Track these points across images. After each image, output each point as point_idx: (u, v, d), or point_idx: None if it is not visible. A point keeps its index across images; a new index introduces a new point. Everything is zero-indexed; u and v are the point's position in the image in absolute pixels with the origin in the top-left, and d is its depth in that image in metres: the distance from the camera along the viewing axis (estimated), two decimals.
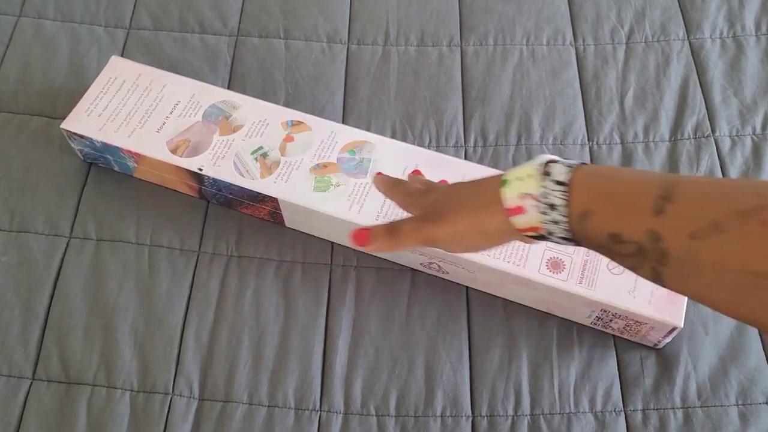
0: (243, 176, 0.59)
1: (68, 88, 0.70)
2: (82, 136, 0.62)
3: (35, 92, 0.70)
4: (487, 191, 0.40)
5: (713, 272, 0.31)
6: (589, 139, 0.67)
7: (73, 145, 0.64)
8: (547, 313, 0.59)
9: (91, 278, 0.60)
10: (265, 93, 0.70)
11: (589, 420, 0.55)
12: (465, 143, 0.67)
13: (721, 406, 0.55)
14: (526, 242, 0.41)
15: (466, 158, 0.66)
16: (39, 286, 0.60)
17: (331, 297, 0.60)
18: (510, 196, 0.38)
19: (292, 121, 0.63)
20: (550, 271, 0.55)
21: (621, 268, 0.55)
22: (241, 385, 0.56)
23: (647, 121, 0.68)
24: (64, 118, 0.63)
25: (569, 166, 0.37)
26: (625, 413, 0.55)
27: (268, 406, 0.55)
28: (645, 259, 0.33)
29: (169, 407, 0.55)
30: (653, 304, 0.54)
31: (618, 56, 0.72)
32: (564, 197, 0.36)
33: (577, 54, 0.72)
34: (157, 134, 0.61)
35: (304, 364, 0.57)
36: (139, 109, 0.63)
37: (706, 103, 0.69)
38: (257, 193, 0.59)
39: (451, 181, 0.50)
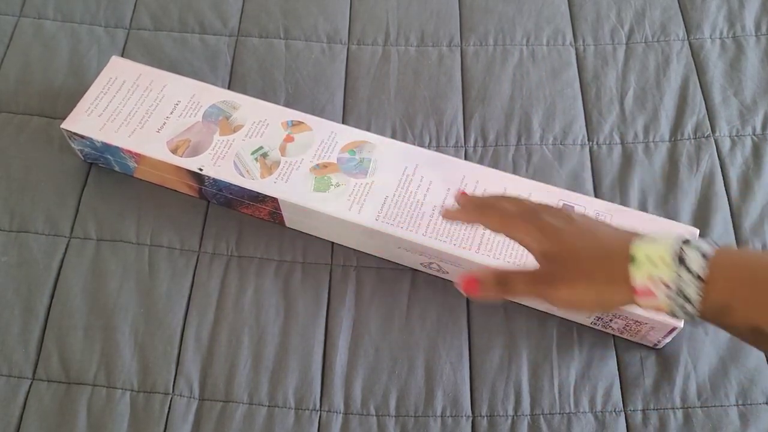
0: (243, 176, 0.59)
1: (68, 88, 0.70)
2: (82, 136, 0.62)
3: (35, 92, 0.70)
4: (613, 265, 0.38)
5: None
6: (589, 139, 0.67)
7: (73, 145, 0.64)
8: (547, 313, 0.59)
9: (91, 278, 0.60)
10: (265, 93, 0.70)
11: (589, 420, 0.55)
12: (465, 143, 0.67)
13: (721, 406, 0.55)
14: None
15: (466, 158, 0.66)
16: (39, 286, 0.60)
17: (331, 297, 0.60)
18: (640, 277, 0.37)
19: (292, 121, 0.63)
20: None
21: None
22: (241, 385, 0.56)
23: (647, 121, 0.68)
24: (64, 118, 0.63)
25: (704, 254, 0.35)
26: (625, 413, 0.55)
27: (268, 406, 0.55)
28: None
29: (169, 407, 0.55)
30: None
31: (618, 56, 0.72)
32: (700, 292, 0.35)
33: (577, 54, 0.72)
34: (157, 134, 0.62)
35: (304, 364, 0.57)
36: (139, 109, 0.63)
37: (706, 103, 0.69)
38: (257, 193, 0.59)
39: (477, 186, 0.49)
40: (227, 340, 0.58)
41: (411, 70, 0.72)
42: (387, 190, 0.59)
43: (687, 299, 0.35)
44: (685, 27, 0.74)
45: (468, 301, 0.60)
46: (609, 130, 0.68)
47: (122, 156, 0.62)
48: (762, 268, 0.35)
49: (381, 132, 0.68)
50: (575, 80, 0.71)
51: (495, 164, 0.66)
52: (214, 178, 0.60)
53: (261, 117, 0.63)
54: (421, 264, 0.60)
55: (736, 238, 0.62)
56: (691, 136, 0.67)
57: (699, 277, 0.35)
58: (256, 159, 0.60)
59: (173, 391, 0.56)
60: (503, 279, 0.42)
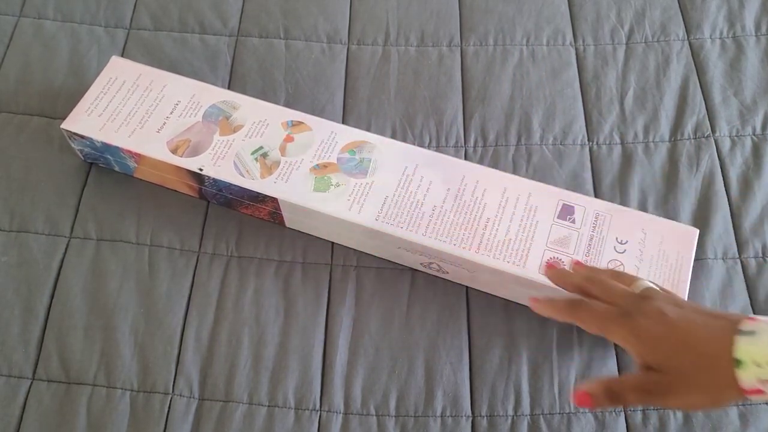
0: (243, 176, 0.59)
1: (68, 88, 0.70)
2: (82, 136, 0.62)
3: (35, 92, 0.70)
4: (719, 374, 0.38)
5: None
6: (588, 140, 0.67)
7: (73, 145, 0.64)
8: None
9: (91, 278, 0.60)
10: (265, 93, 0.70)
11: (589, 420, 0.55)
12: (465, 143, 0.67)
13: None
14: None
15: (466, 158, 0.66)
16: (39, 286, 0.60)
17: (331, 297, 0.60)
18: (748, 380, 0.37)
19: (292, 121, 0.63)
20: None
21: (621, 267, 0.56)
22: (241, 385, 0.56)
23: (647, 121, 0.68)
24: (64, 118, 0.63)
25: None
26: (624, 413, 0.55)
27: (268, 406, 0.56)
28: None
29: (169, 407, 0.55)
30: None
31: (618, 56, 0.72)
32: None
33: (577, 54, 0.72)
34: (157, 134, 0.62)
35: (304, 364, 0.57)
36: (139, 110, 0.63)
37: (706, 103, 0.69)
38: (257, 193, 0.59)
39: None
40: (227, 340, 0.58)
41: (411, 70, 0.72)
42: (387, 190, 0.59)
43: None
44: (685, 27, 0.74)
45: (468, 301, 0.60)
46: (609, 130, 0.68)
47: (122, 156, 0.62)
48: None
49: (381, 132, 0.68)
50: (575, 80, 0.71)
51: (495, 164, 0.66)
52: (214, 178, 0.60)
53: (261, 117, 0.63)
54: (421, 264, 0.60)
55: (735, 238, 0.62)
56: (691, 136, 0.67)
57: None
58: (256, 159, 0.60)
59: (173, 391, 0.56)
60: (613, 392, 0.43)
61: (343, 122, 0.68)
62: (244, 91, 0.69)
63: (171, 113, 0.63)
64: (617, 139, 0.67)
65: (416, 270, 0.61)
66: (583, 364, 0.57)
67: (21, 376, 0.57)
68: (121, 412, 0.55)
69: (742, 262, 0.61)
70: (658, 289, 0.46)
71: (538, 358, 0.57)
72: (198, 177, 0.61)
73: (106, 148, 0.62)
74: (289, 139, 0.62)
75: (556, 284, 0.50)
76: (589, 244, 0.57)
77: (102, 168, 0.66)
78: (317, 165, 0.60)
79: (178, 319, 0.59)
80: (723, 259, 0.61)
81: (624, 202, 0.64)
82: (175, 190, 0.65)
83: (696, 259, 0.60)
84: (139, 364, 0.57)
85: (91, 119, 0.62)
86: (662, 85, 0.70)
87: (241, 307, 0.59)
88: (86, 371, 0.57)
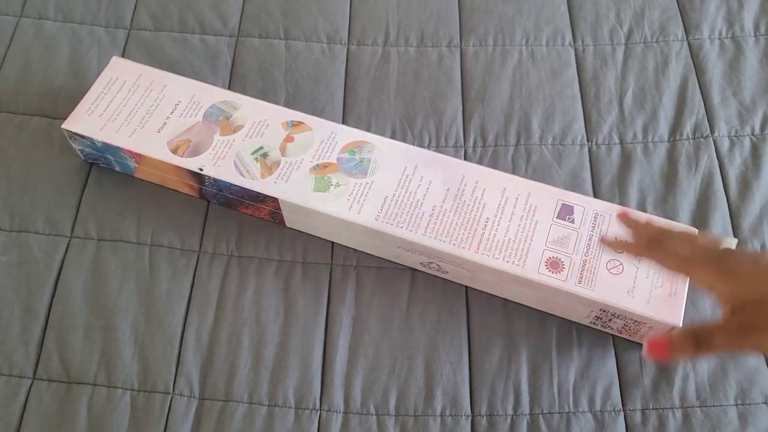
0: (243, 176, 0.60)
1: (69, 89, 0.70)
2: (82, 136, 0.62)
3: (36, 92, 0.70)
4: None
5: None
6: (588, 140, 0.67)
7: (73, 145, 0.65)
8: (546, 312, 0.59)
9: (91, 278, 0.60)
10: (266, 93, 0.70)
11: (588, 419, 0.55)
12: (464, 143, 0.67)
13: (720, 406, 0.55)
14: None
15: (465, 158, 0.67)
16: (39, 286, 0.60)
17: (331, 297, 0.60)
18: None
19: (292, 121, 0.63)
20: (550, 270, 0.55)
21: (621, 267, 0.56)
22: (241, 385, 0.56)
23: (646, 121, 0.68)
24: (64, 119, 0.63)
25: None
26: (624, 413, 0.55)
27: (268, 406, 0.56)
28: None
29: (170, 407, 0.55)
30: (652, 303, 0.54)
31: (617, 57, 0.72)
32: None
33: (576, 54, 0.73)
34: (157, 134, 0.62)
35: (304, 363, 0.57)
36: (139, 110, 0.63)
37: (705, 103, 0.69)
38: (257, 193, 0.59)
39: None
40: (227, 340, 0.58)
41: (411, 71, 0.72)
42: (387, 190, 0.59)
43: None
44: (684, 27, 0.74)
45: (467, 301, 0.60)
46: (608, 130, 0.68)
47: (123, 156, 0.62)
48: None
49: (381, 132, 0.68)
50: (574, 80, 0.71)
51: (494, 164, 0.66)
52: (214, 178, 0.60)
53: (261, 117, 0.63)
54: (420, 264, 0.60)
55: (735, 238, 0.62)
56: (690, 137, 0.67)
57: None
58: (256, 159, 0.61)
59: (173, 391, 0.56)
60: (700, 338, 0.39)
61: (343, 122, 0.69)
62: (244, 92, 0.69)
63: (171, 113, 0.63)
64: (616, 140, 0.67)
65: (416, 270, 0.61)
66: (582, 363, 0.57)
67: (21, 376, 0.57)
68: (122, 412, 0.55)
69: None
70: None
71: (537, 358, 0.57)
72: (198, 177, 0.61)
73: (107, 148, 0.62)
74: (289, 139, 0.62)
75: (633, 248, 0.46)
76: (588, 244, 0.57)
77: (102, 168, 0.66)
78: (317, 165, 0.60)
79: (179, 318, 0.59)
80: None
81: (623, 202, 0.64)
82: (176, 190, 0.65)
83: None
84: (139, 363, 0.57)
85: (92, 119, 0.62)
86: (661, 86, 0.70)
87: (241, 306, 0.59)
88: (87, 371, 0.57)
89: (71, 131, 0.62)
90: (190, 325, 0.59)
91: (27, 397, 0.56)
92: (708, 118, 0.68)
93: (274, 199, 0.59)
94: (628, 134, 0.68)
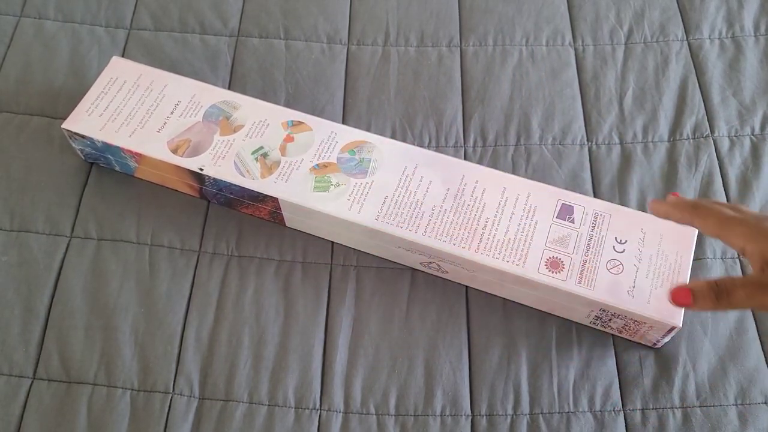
0: (243, 176, 0.60)
1: (69, 88, 0.70)
2: (83, 136, 0.62)
3: (36, 92, 0.70)
4: None
5: None
6: (588, 140, 0.67)
7: (73, 145, 0.65)
8: (546, 312, 0.59)
9: (91, 278, 0.60)
10: (266, 93, 0.70)
11: (588, 419, 0.55)
12: (464, 143, 0.68)
13: (720, 406, 0.55)
14: None
15: (465, 158, 0.67)
16: (39, 285, 0.60)
17: (331, 296, 0.60)
18: None
19: (292, 121, 0.63)
20: (550, 270, 0.55)
21: (620, 267, 0.56)
22: (241, 385, 0.56)
23: (646, 121, 0.68)
24: (64, 118, 0.63)
25: None
26: (624, 413, 0.55)
27: (268, 405, 0.56)
28: None
29: (170, 406, 0.55)
30: (652, 303, 0.54)
31: (617, 57, 0.72)
32: None
33: (576, 54, 0.73)
34: (157, 134, 0.62)
35: (304, 363, 0.57)
36: (139, 110, 0.63)
37: (705, 103, 0.69)
38: (257, 193, 0.59)
39: None
40: (227, 340, 0.58)
41: (411, 71, 0.72)
42: (387, 189, 0.59)
43: None
44: (684, 27, 0.74)
45: (467, 301, 0.60)
46: (608, 130, 0.68)
47: (123, 156, 0.62)
48: None
49: (381, 132, 0.68)
50: (574, 80, 0.71)
51: (494, 164, 0.66)
52: (214, 178, 0.60)
53: (261, 117, 0.63)
54: (420, 263, 0.60)
55: None
56: (690, 137, 0.67)
57: None
58: (256, 159, 0.61)
59: (173, 391, 0.56)
60: (721, 289, 0.40)
61: (343, 122, 0.69)
62: (244, 91, 0.69)
63: (171, 113, 0.63)
64: (616, 139, 0.67)
65: (416, 269, 0.61)
66: (582, 363, 0.57)
67: (21, 376, 0.57)
68: (122, 412, 0.55)
69: (741, 261, 0.61)
70: None
71: (537, 358, 0.57)
72: (198, 177, 0.61)
73: (107, 147, 0.62)
74: (289, 139, 0.62)
75: (681, 208, 0.46)
76: (588, 244, 0.57)
77: (102, 168, 0.66)
78: (317, 165, 0.60)
79: (179, 318, 0.59)
80: (722, 258, 0.61)
81: (623, 201, 0.64)
82: (176, 190, 0.65)
83: (695, 259, 0.60)
84: (139, 363, 0.57)
85: (92, 119, 0.62)
86: (661, 86, 0.70)
87: (242, 306, 0.59)
88: (87, 370, 0.57)
89: (71, 131, 0.62)
90: (190, 324, 0.59)
91: (27, 396, 0.56)
92: (708, 118, 0.68)
93: (274, 199, 0.59)
94: (628, 134, 0.68)
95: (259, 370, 0.57)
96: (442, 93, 0.70)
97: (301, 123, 0.63)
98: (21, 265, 0.61)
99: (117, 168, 0.65)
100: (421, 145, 0.67)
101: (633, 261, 0.56)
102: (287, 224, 0.63)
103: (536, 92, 0.70)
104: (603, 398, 0.56)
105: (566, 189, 0.61)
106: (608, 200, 0.63)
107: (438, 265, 0.59)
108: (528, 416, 0.55)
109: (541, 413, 0.55)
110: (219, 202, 0.64)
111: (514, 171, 0.66)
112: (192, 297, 0.60)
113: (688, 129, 0.68)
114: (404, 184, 0.59)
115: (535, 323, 0.59)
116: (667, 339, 0.56)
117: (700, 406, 0.55)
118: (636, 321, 0.55)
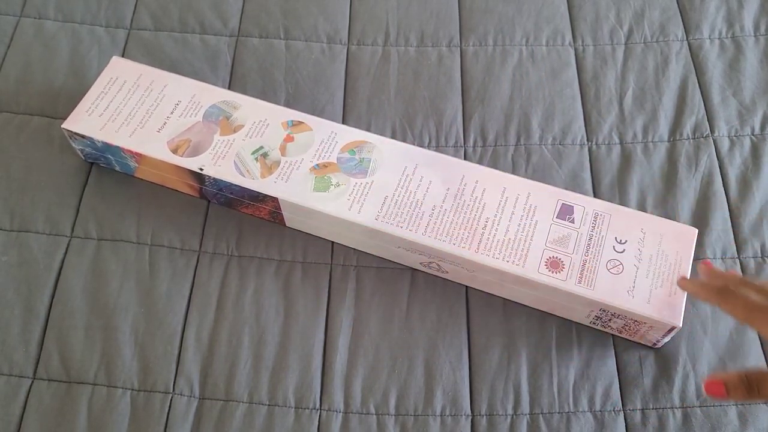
0: (243, 176, 0.60)
1: (69, 88, 0.70)
2: (83, 136, 0.62)
3: (36, 92, 0.70)
4: None
5: None
6: (588, 140, 0.67)
7: (74, 145, 0.65)
8: (546, 312, 0.59)
9: (91, 278, 0.60)
10: (266, 93, 0.70)
11: (588, 419, 0.55)
12: (464, 143, 0.68)
13: (720, 406, 0.55)
14: None
15: (465, 158, 0.67)
16: (39, 285, 0.60)
17: (331, 296, 0.60)
18: None
19: (292, 121, 0.63)
20: (550, 270, 0.55)
21: (620, 267, 0.56)
22: (242, 385, 0.56)
23: (646, 121, 0.68)
24: (64, 118, 0.63)
25: None
26: (624, 412, 0.55)
27: (269, 405, 0.56)
28: None
29: (170, 406, 0.55)
30: (652, 303, 0.54)
31: (617, 57, 0.72)
32: None
33: (576, 54, 0.73)
34: (157, 134, 0.62)
35: (304, 363, 0.57)
36: (139, 109, 0.63)
37: (704, 103, 0.69)
38: (258, 192, 0.59)
39: None
40: (227, 340, 0.58)
41: (411, 71, 0.72)
42: (387, 189, 0.59)
43: None
44: (684, 27, 0.74)
45: (467, 301, 0.60)
46: (608, 130, 0.68)
47: (123, 156, 0.62)
48: None
49: (381, 132, 0.68)
50: (574, 80, 0.71)
51: (494, 164, 0.66)
52: (214, 178, 0.60)
53: (261, 117, 0.63)
54: (420, 263, 0.60)
55: (734, 238, 0.62)
56: (690, 136, 0.67)
57: None
58: (256, 159, 0.61)
59: (173, 391, 0.56)
60: (753, 383, 0.41)
61: (343, 122, 0.69)
62: (244, 91, 0.69)
63: (171, 113, 0.63)
64: (616, 139, 0.67)
65: (416, 270, 0.61)
66: (582, 363, 0.57)
67: (22, 376, 0.57)
68: (122, 412, 0.55)
69: (741, 261, 0.61)
70: None
71: (537, 358, 0.57)
72: (198, 177, 0.61)
73: (107, 147, 0.62)
74: (289, 139, 0.62)
75: (708, 291, 0.48)
76: (588, 244, 0.57)
77: (103, 168, 0.66)
78: (317, 165, 0.60)
79: (179, 318, 0.59)
80: (722, 258, 0.61)
81: (623, 201, 0.64)
82: (176, 190, 0.65)
83: (695, 259, 0.60)
84: (139, 363, 0.57)
85: (92, 119, 0.62)
86: (661, 86, 0.70)
87: (242, 306, 0.59)
88: (87, 371, 0.57)
89: (71, 131, 0.62)
90: (190, 324, 0.59)
91: (27, 396, 0.56)
92: (708, 118, 0.68)
93: (274, 199, 0.59)
94: (628, 134, 0.68)
95: (259, 370, 0.57)
96: (442, 93, 0.70)
97: (301, 123, 0.63)
98: (21, 265, 0.61)
99: (117, 168, 0.65)
100: (421, 145, 0.67)
101: (633, 261, 0.56)
102: (287, 224, 0.63)
103: (536, 92, 0.70)
104: (603, 398, 0.56)
105: (566, 189, 0.61)
106: (608, 200, 0.63)
107: (438, 265, 0.59)
108: (528, 416, 0.55)
109: (541, 413, 0.55)
110: (219, 202, 0.64)
111: (514, 171, 0.66)
112: (192, 297, 0.60)
113: (688, 129, 0.68)
114: (404, 184, 0.59)
115: (535, 323, 0.59)
116: (667, 339, 0.56)
117: (700, 406, 0.55)
118: (636, 321, 0.55)
